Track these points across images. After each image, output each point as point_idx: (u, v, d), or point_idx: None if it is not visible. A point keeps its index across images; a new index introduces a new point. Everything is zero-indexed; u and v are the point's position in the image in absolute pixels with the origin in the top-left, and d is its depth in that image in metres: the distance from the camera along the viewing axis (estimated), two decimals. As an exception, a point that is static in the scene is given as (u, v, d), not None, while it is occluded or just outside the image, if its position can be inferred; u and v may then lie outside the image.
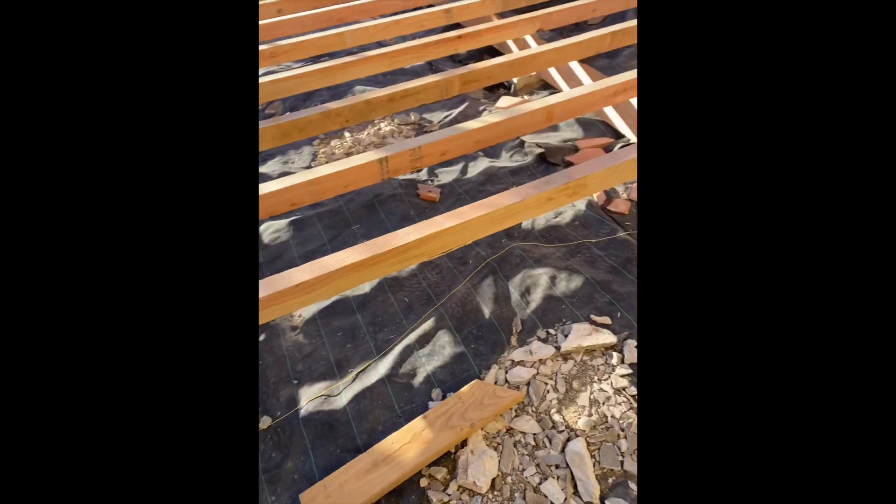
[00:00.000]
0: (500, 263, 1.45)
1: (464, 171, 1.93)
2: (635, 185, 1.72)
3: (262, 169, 2.04)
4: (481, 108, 2.34)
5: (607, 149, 1.93)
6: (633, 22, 2.16)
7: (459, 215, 1.16)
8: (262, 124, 1.59)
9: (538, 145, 2.00)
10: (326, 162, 2.04)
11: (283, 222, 1.72)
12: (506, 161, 1.96)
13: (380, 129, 2.22)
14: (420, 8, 2.90)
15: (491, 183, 1.85)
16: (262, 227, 1.72)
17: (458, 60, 2.86)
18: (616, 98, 1.75)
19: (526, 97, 2.38)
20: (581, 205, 1.65)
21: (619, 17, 2.85)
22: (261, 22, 2.71)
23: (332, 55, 3.01)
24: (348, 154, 2.07)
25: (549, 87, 2.42)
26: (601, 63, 2.27)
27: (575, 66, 2.12)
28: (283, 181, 1.32)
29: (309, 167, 2.04)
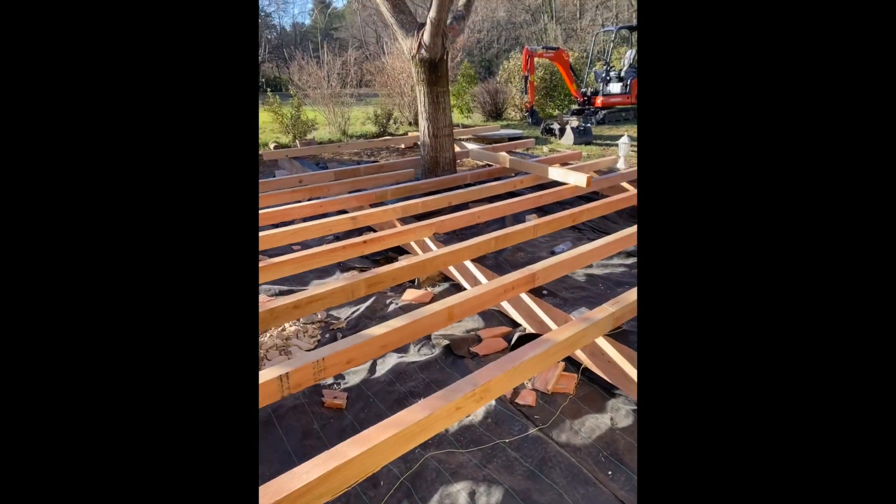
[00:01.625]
0: (414, 482, 1.32)
1: (372, 369, 1.89)
2: (538, 374, 1.82)
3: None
4: (388, 300, 2.45)
5: (507, 337, 2.06)
6: (513, 228, 2.59)
7: (366, 440, 1.08)
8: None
9: (444, 337, 2.08)
10: (221, 371, 1.87)
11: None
12: (414, 355, 1.98)
13: (284, 329, 2.16)
14: (329, 215, 3.21)
15: (401, 381, 1.81)
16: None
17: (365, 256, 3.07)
18: (508, 294, 1.96)
19: (428, 289, 2.57)
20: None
21: (500, 221, 3.41)
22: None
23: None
24: (247, 360, 1.94)
25: (448, 279, 2.66)
26: (490, 262, 2.61)
27: (468, 264, 2.40)
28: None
29: (199, 379, 1.84)
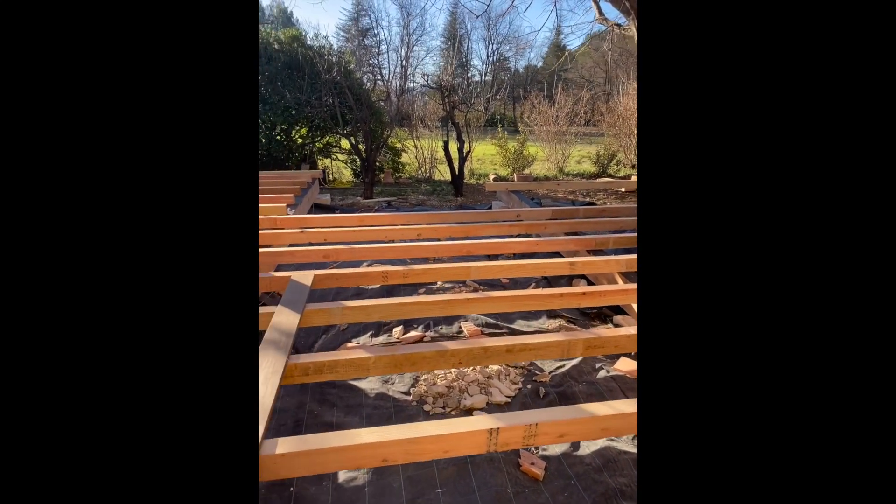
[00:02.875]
0: None
1: (576, 444, 1.65)
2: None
3: (362, 384, 1.99)
4: (598, 364, 2.17)
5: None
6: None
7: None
8: (377, 353, 1.59)
9: (669, 433, 1.69)
10: (426, 391, 1.93)
11: (365, 460, 1.54)
12: (627, 443, 1.66)
13: (487, 365, 2.12)
14: (543, 255, 3.12)
15: (609, 471, 1.52)
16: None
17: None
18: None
19: (649, 364, 2.17)
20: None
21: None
22: (401, 243, 3.10)
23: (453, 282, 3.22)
24: (450, 387, 1.96)
25: (677, 358, 2.21)
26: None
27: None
28: (380, 432, 1.19)
29: (406, 393, 1.94)
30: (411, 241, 3.54)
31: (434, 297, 2.10)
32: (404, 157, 7.93)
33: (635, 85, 8.64)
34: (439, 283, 2.99)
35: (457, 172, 6.22)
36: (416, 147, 7.89)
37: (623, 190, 6.31)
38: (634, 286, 2.34)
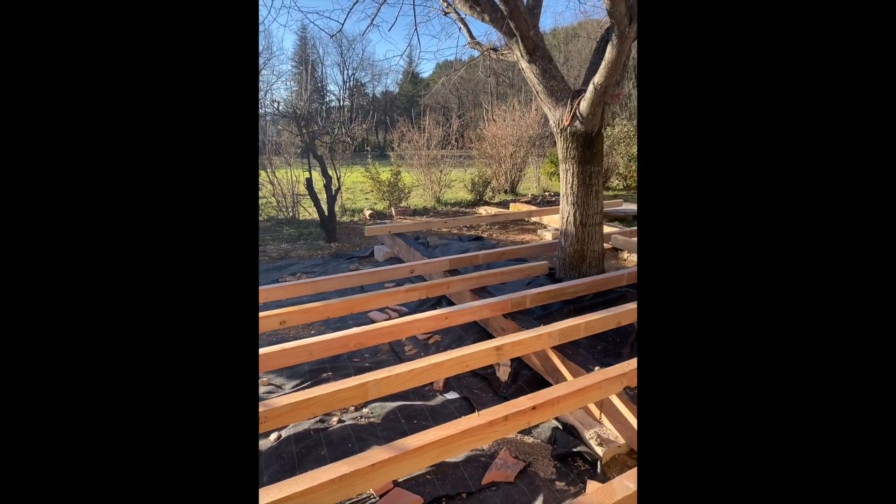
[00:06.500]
0: None
1: None
2: None
3: None
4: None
5: None
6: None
7: None
8: None
9: None
10: None
11: None
12: None
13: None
14: (453, 329, 2.43)
15: None
16: None
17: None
18: None
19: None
20: None
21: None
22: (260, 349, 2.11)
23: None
24: None
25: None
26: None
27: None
28: None
29: None
30: (273, 333, 2.54)
31: (311, 481, 1.23)
32: (260, 194, 6.63)
33: (498, 111, 8.77)
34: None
35: (326, 213, 5.27)
36: (272, 183, 6.67)
37: (501, 221, 6.07)
38: (598, 377, 1.78)
